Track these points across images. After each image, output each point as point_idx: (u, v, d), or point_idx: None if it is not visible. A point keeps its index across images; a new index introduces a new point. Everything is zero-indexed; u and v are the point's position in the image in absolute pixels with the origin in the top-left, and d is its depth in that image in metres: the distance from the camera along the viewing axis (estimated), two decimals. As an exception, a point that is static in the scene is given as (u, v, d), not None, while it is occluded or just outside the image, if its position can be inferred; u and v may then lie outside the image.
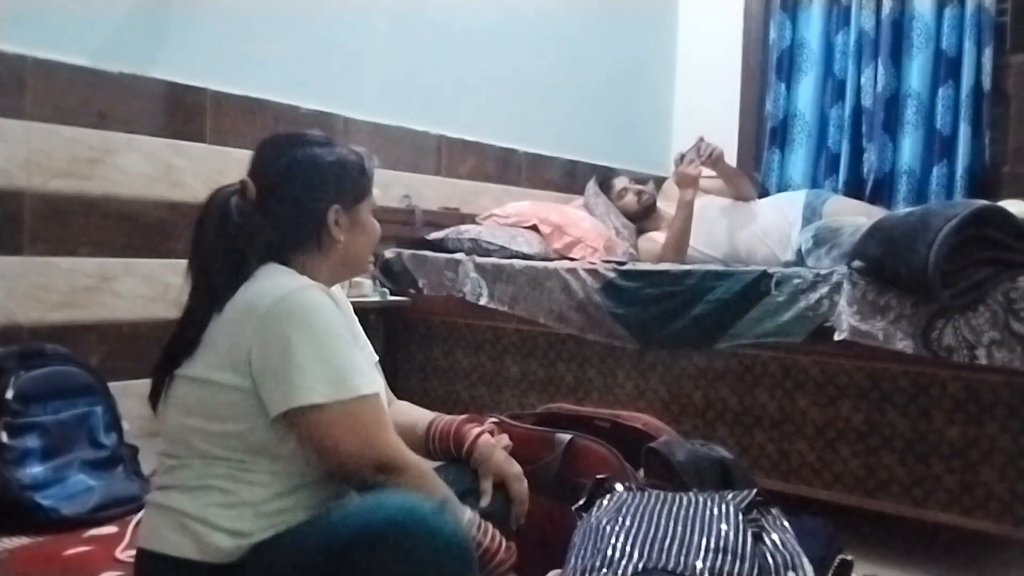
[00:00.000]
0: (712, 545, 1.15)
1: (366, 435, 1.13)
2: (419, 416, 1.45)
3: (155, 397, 1.19)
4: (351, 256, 1.30)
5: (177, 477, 1.15)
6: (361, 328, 1.41)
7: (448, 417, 1.43)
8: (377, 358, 1.42)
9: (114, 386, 2.15)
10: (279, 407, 1.10)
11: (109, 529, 1.81)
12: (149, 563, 1.15)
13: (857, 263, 1.91)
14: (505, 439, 1.42)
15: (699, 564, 1.11)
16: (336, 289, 1.35)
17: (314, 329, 1.12)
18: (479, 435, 1.38)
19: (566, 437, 1.56)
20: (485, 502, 1.32)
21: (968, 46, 3.65)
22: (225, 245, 1.20)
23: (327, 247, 1.26)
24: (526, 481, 1.36)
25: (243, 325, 1.13)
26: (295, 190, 1.24)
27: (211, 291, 1.19)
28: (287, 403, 1.09)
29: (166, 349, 1.20)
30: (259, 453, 1.13)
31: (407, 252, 2.83)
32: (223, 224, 1.21)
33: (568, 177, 3.98)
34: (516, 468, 1.37)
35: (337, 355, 1.13)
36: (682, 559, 1.13)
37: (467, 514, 1.23)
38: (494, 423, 1.61)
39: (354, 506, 1.12)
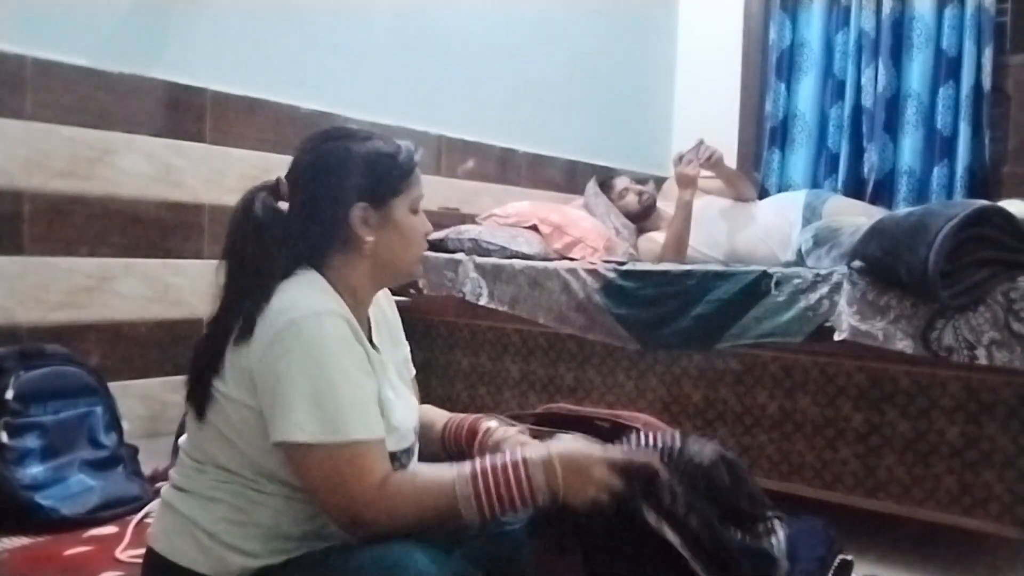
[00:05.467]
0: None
1: (343, 484, 1.04)
2: (438, 416, 1.40)
3: (192, 403, 1.12)
4: (386, 258, 1.19)
5: (193, 482, 1.14)
6: (403, 336, 1.35)
7: (465, 415, 1.38)
8: (414, 373, 1.36)
9: (114, 386, 2.15)
10: (272, 437, 1.05)
11: (109, 529, 1.81)
12: (158, 566, 1.14)
13: (857, 263, 1.91)
14: (521, 426, 1.35)
15: None
16: (382, 295, 1.30)
17: (314, 361, 1.04)
18: (496, 422, 1.32)
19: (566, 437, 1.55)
20: None
21: (968, 46, 3.65)
22: (250, 246, 1.14)
23: (357, 247, 1.17)
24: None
25: (254, 345, 1.07)
26: (319, 186, 1.17)
27: (237, 296, 1.12)
28: (275, 435, 1.04)
29: (195, 359, 1.13)
30: (272, 478, 1.10)
31: (407, 252, 2.82)
32: (245, 223, 1.15)
33: (568, 177, 3.99)
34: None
35: (335, 392, 1.04)
36: None
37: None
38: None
39: (371, 553, 1.05)
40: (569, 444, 1.14)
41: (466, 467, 1.08)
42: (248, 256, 1.14)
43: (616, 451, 1.15)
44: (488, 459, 1.10)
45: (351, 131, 1.22)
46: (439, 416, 1.41)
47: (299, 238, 1.16)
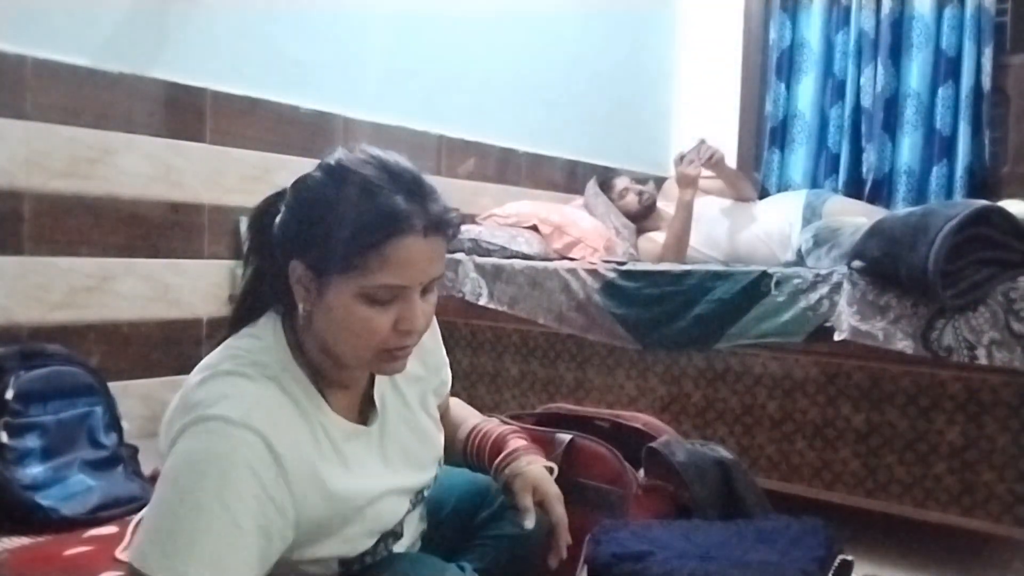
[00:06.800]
0: None
1: None
2: (466, 417, 1.33)
3: None
4: (322, 337, 0.98)
5: None
6: (439, 358, 1.22)
7: (494, 422, 1.32)
8: (447, 391, 1.26)
9: (114, 386, 2.14)
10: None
11: (109, 529, 1.81)
12: None
13: (857, 263, 1.91)
14: (545, 462, 1.25)
15: None
16: (428, 337, 1.10)
17: (194, 479, 0.87)
18: (523, 448, 1.24)
19: (566, 437, 1.55)
20: (530, 523, 1.14)
21: (968, 46, 3.65)
22: (248, 265, 1.07)
23: (299, 310, 0.99)
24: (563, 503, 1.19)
25: (167, 419, 0.95)
26: (282, 217, 0.99)
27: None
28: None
29: None
30: None
31: (407, 252, 2.82)
32: (250, 238, 1.06)
33: (568, 177, 3.99)
34: (556, 488, 1.19)
35: (194, 524, 0.85)
36: None
37: None
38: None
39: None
40: None
41: None
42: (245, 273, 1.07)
43: None
44: None
45: (350, 172, 0.97)
46: (467, 419, 1.34)
47: (262, 276, 1.05)
